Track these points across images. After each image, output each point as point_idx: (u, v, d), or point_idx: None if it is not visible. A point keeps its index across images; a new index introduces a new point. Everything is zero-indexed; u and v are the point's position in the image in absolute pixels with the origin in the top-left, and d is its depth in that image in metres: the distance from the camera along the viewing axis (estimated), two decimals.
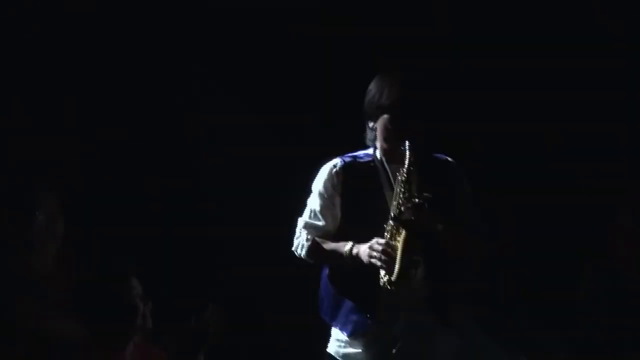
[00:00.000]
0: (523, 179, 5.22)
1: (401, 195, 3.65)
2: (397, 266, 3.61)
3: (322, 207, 3.82)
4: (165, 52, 5.15)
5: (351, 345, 3.81)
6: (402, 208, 3.63)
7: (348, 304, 3.79)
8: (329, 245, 3.80)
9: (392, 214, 3.63)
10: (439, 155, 3.92)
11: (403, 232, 3.62)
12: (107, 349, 3.50)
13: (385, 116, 3.76)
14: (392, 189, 3.73)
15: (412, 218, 3.61)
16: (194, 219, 5.16)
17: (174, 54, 5.15)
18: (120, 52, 5.10)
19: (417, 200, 3.62)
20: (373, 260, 3.65)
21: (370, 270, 3.67)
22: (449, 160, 3.92)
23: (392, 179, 3.77)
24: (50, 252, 4.17)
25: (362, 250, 3.70)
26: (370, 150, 3.88)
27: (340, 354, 3.84)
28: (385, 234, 3.66)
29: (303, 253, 3.85)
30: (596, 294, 4.70)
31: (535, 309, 5.03)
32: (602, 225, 4.86)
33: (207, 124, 5.16)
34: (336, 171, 3.83)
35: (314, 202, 3.84)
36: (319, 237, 3.82)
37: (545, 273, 5.14)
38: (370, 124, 3.83)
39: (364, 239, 3.71)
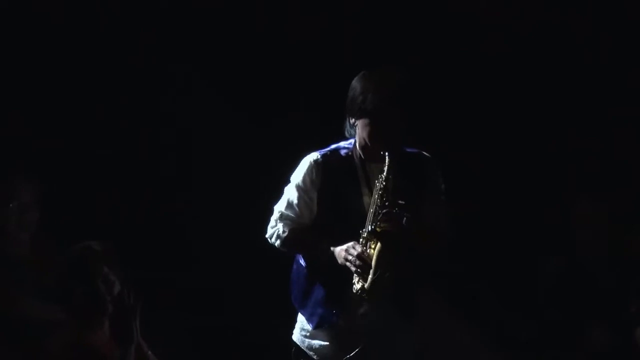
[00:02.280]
0: (487, 168, 5.25)
1: (379, 203, 3.63)
2: (371, 277, 3.60)
3: (299, 200, 3.79)
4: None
5: (316, 337, 3.79)
6: (379, 219, 3.61)
7: (316, 295, 3.77)
8: (305, 239, 3.79)
9: (369, 227, 3.62)
10: (413, 149, 3.86)
11: (378, 244, 3.61)
12: (82, 329, 3.52)
13: (367, 120, 3.71)
14: (369, 186, 3.72)
15: (389, 231, 3.58)
16: (169, 205, 5.18)
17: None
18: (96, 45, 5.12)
19: (394, 212, 3.60)
20: (348, 264, 3.64)
21: (343, 268, 3.66)
22: (424, 155, 3.88)
23: (369, 176, 3.75)
24: (24, 239, 4.32)
25: (338, 251, 3.68)
26: (350, 143, 3.83)
27: (306, 344, 3.81)
28: (361, 240, 3.65)
29: (278, 243, 3.82)
30: (556, 278, 4.73)
31: (498, 293, 5.04)
32: (561, 211, 4.90)
33: (182, 113, 5.15)
34: (315, 166, 3.79)
35: (291, 194, 3.81)
36: (294, 228, 3.80)
37: (507, 257, 5.15)
38: (352, 120, 3.77)
39: (339, 234, 3.69)
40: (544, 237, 5.04)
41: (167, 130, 5.18)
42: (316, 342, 3.80)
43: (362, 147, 3.78)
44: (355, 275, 3.64)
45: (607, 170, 5.17)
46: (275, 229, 3.83)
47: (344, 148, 3.84)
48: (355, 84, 3.75)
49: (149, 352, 3.73)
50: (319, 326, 3.77)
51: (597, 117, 5.25)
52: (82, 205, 5.12)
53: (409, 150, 3.85)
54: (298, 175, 3.82)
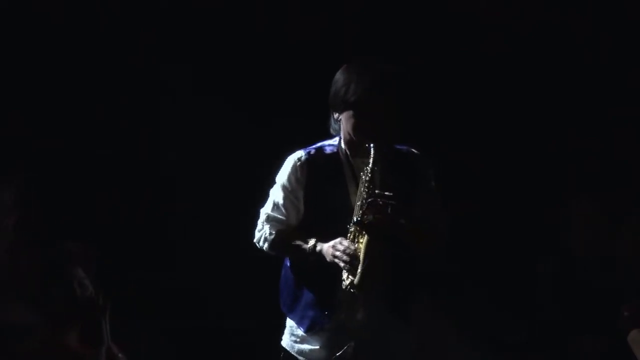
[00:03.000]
0: (487, 168, 5.24)
1: (364, 196, 3.57)
2: (360, 270, 3.54)
3: (285, 200, 3.73)
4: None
5: (307, 342, 3.74)
6: (365, 210, 3.55)
7: (306, 298, 3.71)
8: (293, 240, 3.71)
9: (355, 218, 3.56)
10: (403, 147, 3.82)
11: (365, 236, 3.56)
12: (57, 332, 3.52)
13: (350, 112, 3.65)
14: (356, 183, 3.66)
15: (375, 222, 3.53)
16: (153, 205, 5.18)
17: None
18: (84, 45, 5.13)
19: (380, 202, 3.54)
20: (336, 260, 3.58)
21: (332, 267, 3.60)
22: (414, 152, 3.83)
23: (355, 172, 3.69)
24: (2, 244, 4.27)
25: (326, 248, 3.62)
26: (335, 141, 3.78)
27: (296, 350, 3.76)
28: (349, 235, 3.60)
29: (265, 246, 3.77)
30: (551, 279, 4.74)
31: (493, 293, 5.03)
32: (557, 211, 4.88)
33: (168, 112, 5.15)
34: (300, 164, 3.73)
35: (277, 195, 3.76)
36: (281, 230, 3.74)
37: (503, 258, 5.14)
38: (335, 115, 3.72)
39: (327, 233, 3.63)
40: (539, 239, 5.04)
41: (167, 130, 5.18)
42: (307, 347, 3.74)
43: (348, 143, 3.72)
44: (344, 271, 3.58)
45: (607, 170, 5.17)
46: (262, 232, 3.78)
47: (329, 145, 3.78)
48: (338, 76, 3.69)
49: (120, 355, 3.71)
50: (311, 329, 3.71)
51: (597, 117, 5.24)
52: (82, 205, 5.11)
53: (399, 147, 3.80)
54: (283, 175, 3.77)
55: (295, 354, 3.76)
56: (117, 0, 5.20)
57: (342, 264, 3.57)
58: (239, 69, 5.22)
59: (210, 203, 5.07)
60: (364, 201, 3.57)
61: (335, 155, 3.75)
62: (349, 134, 3.69)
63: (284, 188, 3.74)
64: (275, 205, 3.76)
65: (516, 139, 5.33)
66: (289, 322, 3.80)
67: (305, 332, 3.72)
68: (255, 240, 3.81)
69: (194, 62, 5.17)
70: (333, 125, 3.77)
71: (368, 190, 3.57)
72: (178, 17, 5.22)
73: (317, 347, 3.72)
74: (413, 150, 3.83)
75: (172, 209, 5.16)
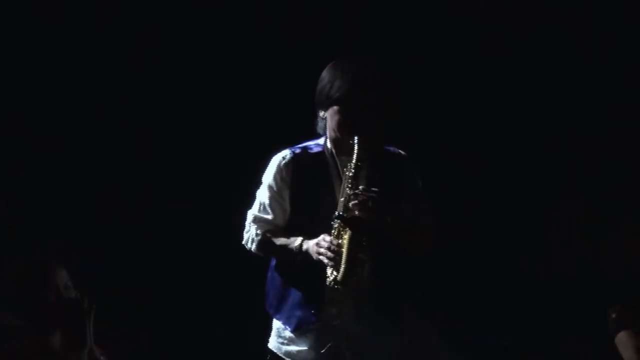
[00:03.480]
0: (487, 168, 5.23)
1: (348, 192, 3.56)
2: (343, 266, 3.52)
3: (271, 200, 3.73)
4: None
5: (295, 343, 3.72)
6: (349, 205, 3.53)
7: (293, 297, 3.69)
8: (279, 240, 3.71)
9: (337, 213, 3.54)
10: (391, 148, 3.81)
11: (348, 231, 3.54)
12: (40, 333, 3.51)
13: (335, 108, 3.64)
14: (342, 181, 3.64)
15: (357, 216, 3.52)
16: (138, 209, 5.17)
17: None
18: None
19: (362, 197, 3.53)
20: (320, 257, 3.56)
21: (318, 266, 3.59)
22: (401, 154, 3.82)
23: (341, 171, 3.67)
24: None
25: (311, 246, 3.61)
26: (321, 140, 3.77)
27: (283, 351, 3.75)
28: (333, 231, 3.57)
29: (253, 247, 3.76)
30: (538, 281, 4.74)
31: (476, 297, 5.03)
32: (547, 212, 4.87)
33: (154, 113, 5.15)
34: (285, 163, 3.73)
35: (263, 195, 3.75)
36: (268, 230, 3.73)
37: (485, 261, 5.13)
38: (321, 113, 3.71)
39: (314, 233, 3.62)
40: (527, 239, 5.02)
41: (167, 130, 5.18)
42: (294, 348, 3.73)
43: (334, 141, 3.71)
44: (328, 267, 3.57)
45: (607, 170, 5.17)
46: (249, 234, 3.77)
47: (316, 144, 3.78)
48: (324, 74, 3.70)
49: (102, 358, 3.71)
50: (298, 328, 3.69)
51: (597, 117, 5.24)
52: (82, 205, 5.11)
53: (386, 148, 3.79)
54: (268, 175, 3.76)
55: (282, 356, 3.75)
56: (117, 0, 5.20)
57: (325, 260, 3.56)
58: (239, 68, 5.22)
59: (198, 204, 5.06)
60: (347, 197, 3.56)
61: (321, 154, 3.74)
62: (334, 131, 3.68)
63: (270, 188, 3.74)
64: (262, 206, 3.75)
65: (516, 139, 5.32)
66: (276, 324, 3.78)
67: (293, 331, 3.71)
68: (243, 242, 3.81)
69: (193, 62, 5.17)
70: (320, 123, 3.76)
71: (351, 186, 3.56)
72: (178, 17, 5.22)
73: (305, 347, 3.71)
74: (400, 151, 3.82)
75: (159, 209, 5.15)
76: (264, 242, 3.74)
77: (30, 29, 5.08)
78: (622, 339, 4.23)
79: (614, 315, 4.26)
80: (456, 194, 5.11)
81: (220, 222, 4.62)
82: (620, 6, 5.21)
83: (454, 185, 5.16)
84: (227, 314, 5.00)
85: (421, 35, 5.23)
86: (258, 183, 3.80)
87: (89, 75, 5.16)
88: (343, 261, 3.52)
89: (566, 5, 5.24)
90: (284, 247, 3.70)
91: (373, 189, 3.56)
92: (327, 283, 3.57)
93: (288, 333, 3.73)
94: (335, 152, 3.72)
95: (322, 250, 3.56)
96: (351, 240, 3.53)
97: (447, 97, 5.22)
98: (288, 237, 3.70)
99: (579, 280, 4.69)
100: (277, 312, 3.75)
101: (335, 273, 3.55)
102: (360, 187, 3.55)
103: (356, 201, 3.53)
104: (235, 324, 4.97)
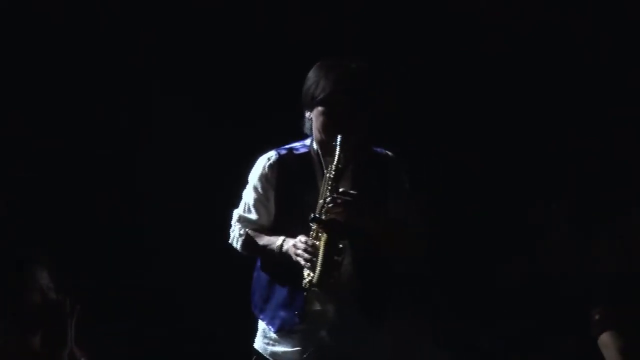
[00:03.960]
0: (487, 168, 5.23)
1: (327, 194, 3.53)
2: (318, 268, 3.50)
3: (256, 201, 3.72)
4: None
5: (280, 344, 3.71)
6: (326, 207, 3.51)
7: (277, 298, 3.68)
8: (263, 240, 3.70)
9: (312, 215, 3.52)
10: (379, 149, 3.79)
11: (325, 233, 3.52)
12: (22, 335, 3.51)
13: (320, 108, 3.62)
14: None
15: (333, 219, 3.50)
16: (124, 209, 5.18)
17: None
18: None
19: (339, 199, 3.51)
20: (298, 259, 3.55)
21: (297, 267, 3.57)
22: (388, 154, 3.79)
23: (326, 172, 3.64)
24: None
25: (290, 246, 3.60)
26: (307, 141, 3.75)
27: (268, 352, 3.73)
28: (311, 232, 3.55)
29: (238, 246, 3.76)
30: (519, 284, 4.74)
31: (461, 302, 5.03)
32: (531, 214, 4.88)
33: (153, 113, 5.15)
34: (270, 164, 3.71)
35: (248, 196, 3.75)
36: (253, 230, 3.73)
37: (470, 263, 5.13)
38: (307, 114, 3.69)
39: (299, 234, 3.59)
40: (508, 243, 5.02)
41: (166, 130, 5.18)
42: (279, 349, 3.72)
43: (319, 141, 3.69)
44: (305, 269, 3.55)
45: (607, 170, 5.17)
46: (234, 233, 3.77)
47: (302, 145, 3.77)
48: (310, 74, 3.69)
49: (83, 359, 3.71)
50: (281, 329, 3.69)
51: (597, 117, 5.24)
52: (82, 205, 5.12)
53: (374, 149, 3.77)
54: (254, 175, 3.75)
55: (267, 356, 3.74)
56: (117, 0, 5.20)
57: (302, 261, 3.54)
58: (239, 68, 5.22)
59: (184, 205, 5.06)
60: (325, 196, 3.54)
61: (307, 154, 3.73)
62: (319, 131, 3.66)
63: (255, 189, 3.74)
64: (247, 206, 3.75)
65: (516, 139, 5.32)
66: (261, 325, 3.77)
67: (276, 332, 3.70)
68: (229, 241, 3.82)
69: (193, 62, 5.17)
70: (306, 124, 3.73)
71: (330, 188, 3.54)
72: (178, 17, 5.22)
73: (290, 349, 3.70)
74: (388, 152, 3.80)
75: (144, 211, 5.15)
76: (248, 241, 3.73)
77: (30, 29, 5.08)
78: (605, 340, 4.23)
79: (597, 317, 4.25)
80: (456, 194, 5.11)
81: (220, 222, 4.61)
82: (620, 6, 5.20)
83: (454, 185, 5.16)
84: (214, 314, 5.00)
85: (421, 35, 5.23)
86: (244, 182, 3.80)
87: (89, 75, 5.16)
88: (319, 263, 3.50)
89: (566, 5, 5.24)
90: (267, 247, 3.69)
91: (351, 191, 3.54)
92: (303, 285, 3.56)
93: (273, 334, 3.72)
94: (321, 153, 3.70)
95: (299, 251, 3.55)
96: (327, 243, 3.51)
97: (447, 97, 5.22)
98: (271, 236, 3.70)
99: (565, 281, 4.69)
100: (262, 313, 3.74)
101: (311, 274, 3.53)
102: (341, 190, 3.54)
103: (332, 204, 3.52)
104: (223, 324, 4.97)
